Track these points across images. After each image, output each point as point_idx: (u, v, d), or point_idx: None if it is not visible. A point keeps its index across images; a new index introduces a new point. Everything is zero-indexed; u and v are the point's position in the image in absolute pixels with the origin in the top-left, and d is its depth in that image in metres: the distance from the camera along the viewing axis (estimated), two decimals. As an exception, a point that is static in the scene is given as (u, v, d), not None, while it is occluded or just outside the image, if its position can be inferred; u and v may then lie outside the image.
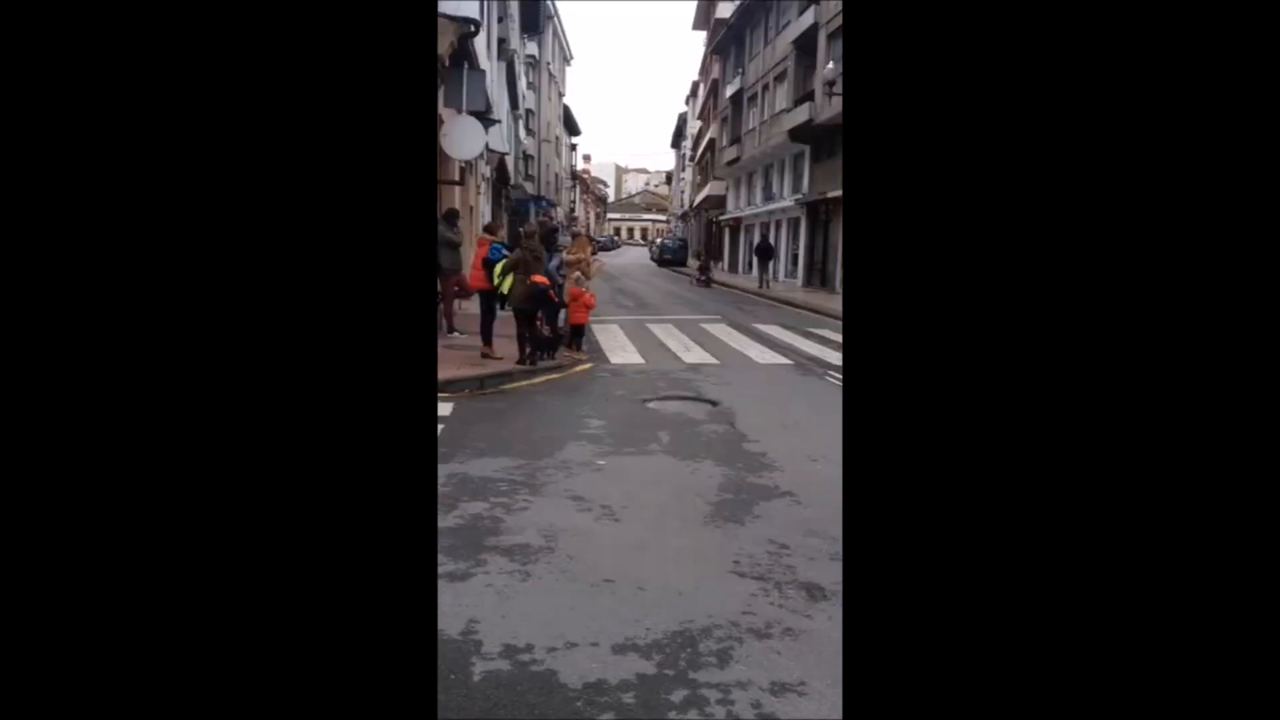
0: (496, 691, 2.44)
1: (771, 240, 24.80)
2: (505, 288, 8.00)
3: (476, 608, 2.98)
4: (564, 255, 9.33)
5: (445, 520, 3.88)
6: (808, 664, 2.66)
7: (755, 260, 22.99)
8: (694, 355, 9.65)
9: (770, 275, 22.63)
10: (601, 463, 5.07)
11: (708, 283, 23.43)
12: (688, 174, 51.37)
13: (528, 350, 8.10)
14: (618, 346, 10.22)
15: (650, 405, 6.88)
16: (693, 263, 32.94)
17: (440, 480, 4.46)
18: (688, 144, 51.34)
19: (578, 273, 9.44)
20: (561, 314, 9.33)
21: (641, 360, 9.25)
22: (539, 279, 7.84)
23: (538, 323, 8.36)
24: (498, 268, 8.13)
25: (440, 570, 3.23)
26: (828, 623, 2.95)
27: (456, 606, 2.97)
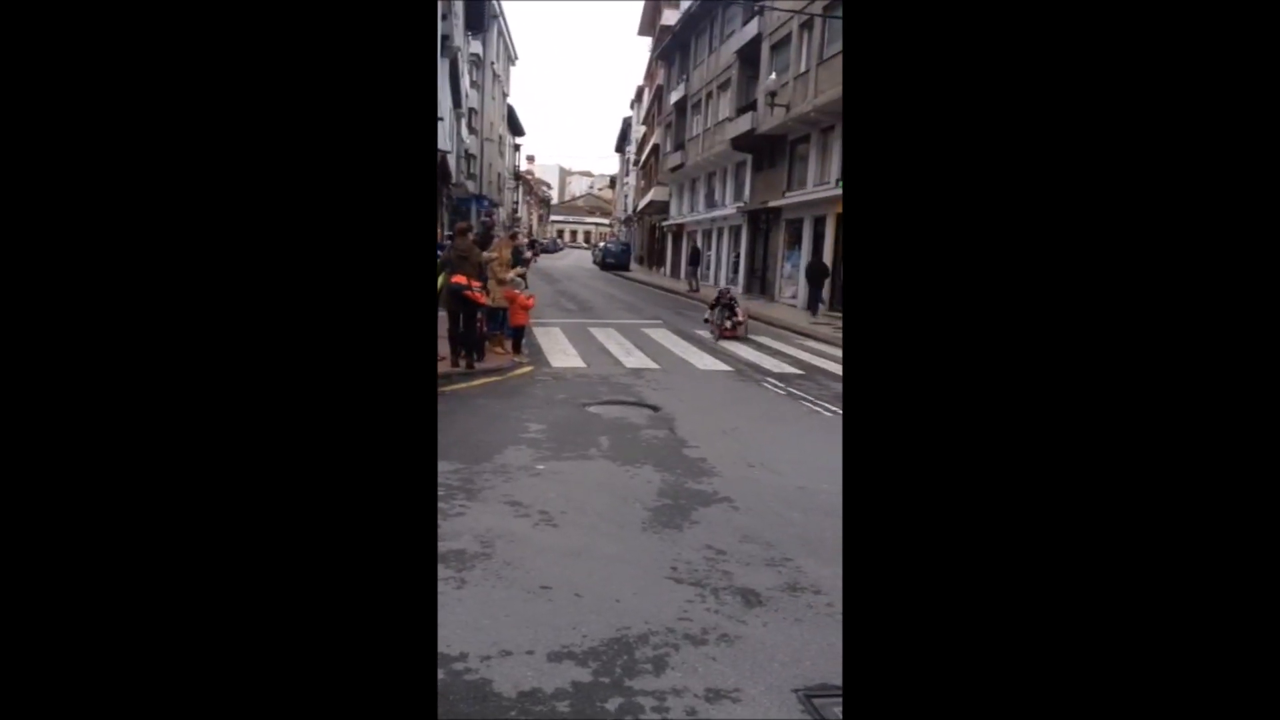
0: (428, 702, 2.39)
1: (703, 246, 27.40)
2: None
3: (409, 616, 2.92)
4: (487, 253, 9.31)
5: (378, 526, 3.79)
6: (743, 670, 2.68)
7: (686, 265, 23.21)
8: (635, 360, 9.67)
9: (699, 279, 23.55)
10: (541, 467, 5.03)
11: (735, 331, 12.53)
12: (632, 178, 51.55)
13: (461, 351, 8.01)
14: (559, 350, 10.17)
15: (591, 410, 6.86)
16: (700, 292, 20.25)
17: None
18: (632, 148, 51.50)
19: (511, 274, 9.36)
20: (500, 315, 9.24)
21: (583, 364, 9.22)
22: (457, 278, 7.82)
23: (478, 323, 8.28)
24: None
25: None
26: (763, 629, 2.99)
27: (388, 615, 2.91)
